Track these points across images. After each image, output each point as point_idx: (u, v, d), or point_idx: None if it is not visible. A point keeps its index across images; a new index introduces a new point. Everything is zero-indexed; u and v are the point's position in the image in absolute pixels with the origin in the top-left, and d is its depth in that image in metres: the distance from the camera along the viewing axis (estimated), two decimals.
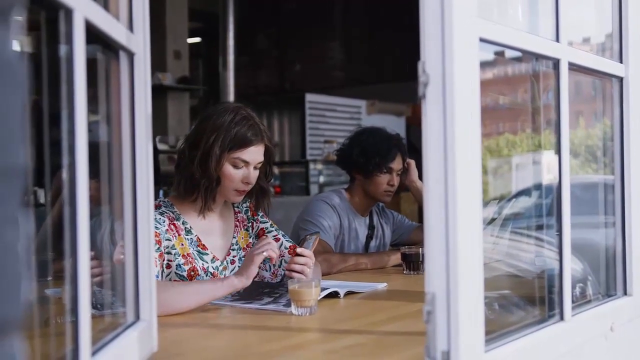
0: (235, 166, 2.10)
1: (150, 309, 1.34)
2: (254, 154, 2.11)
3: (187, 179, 2.11)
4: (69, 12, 0.96)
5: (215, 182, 2.09)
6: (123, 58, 1.29)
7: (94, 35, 1.07)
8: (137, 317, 1.32)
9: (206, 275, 2.11)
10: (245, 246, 2.27)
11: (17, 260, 0.56)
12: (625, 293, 1.75)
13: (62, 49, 0.98)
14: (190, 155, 2.10)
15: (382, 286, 2.28)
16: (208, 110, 2.20)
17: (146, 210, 1.33)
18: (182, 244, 2.09)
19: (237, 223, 2.28)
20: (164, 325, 1.53)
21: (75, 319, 0.97)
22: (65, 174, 0.97)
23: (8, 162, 0.54)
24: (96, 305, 1.25)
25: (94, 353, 1.04)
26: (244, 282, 1.91)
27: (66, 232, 0.97)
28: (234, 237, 2.25)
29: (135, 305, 1.32)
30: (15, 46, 0.58)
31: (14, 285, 0.55)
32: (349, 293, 2.11)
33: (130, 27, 1.30)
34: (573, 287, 1.53)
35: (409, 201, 6.29)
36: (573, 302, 1.50)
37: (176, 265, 2.06)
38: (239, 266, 2.19)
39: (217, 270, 2.15)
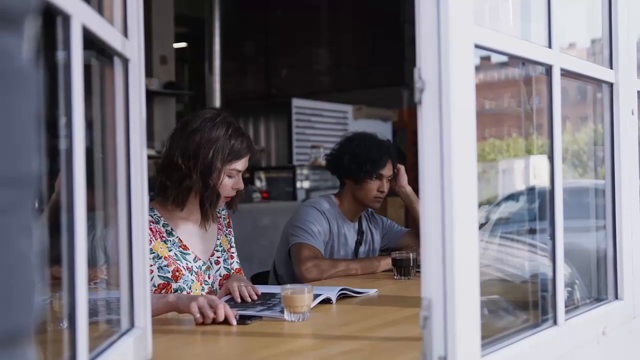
0: (230, 176, 2.19)
1: (145, 316, 1.34)
2: (245, 162, 2.22)
3: (184, 191, 2.13)
4: (66, 18, 0.95)
5: (217, 194, 2.15)
6: (117, 64, 1.28)
7: (89, 41, 1.07)
8: (132, 324, 1.31)
9: (190, 274, 2.16)
10: (227, 249, 2.34)
11: (30, 269, 0.55)
12: (616, 297, 1.77)
13: (59, 55, 0.97)
14: (185, 167, 2.11)
15: (373, 292, 2.28)
16: (194, 120, 2.18)
17: (140, 216, 1.33)
18: (162, 247, 2.14)
19: (220, 226, 2.35)
20: (158, 333, 1.53)
21: (72, 326, 0.96)
22: (62, 180, 0.97)
23: (21, 171, 0.53)
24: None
25: None
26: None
27: (63, 239, 0.96)
28: (218, 239, 2.32)
29: (130, 312, 1.31)
30: (27, 54, 0.57)
31: (27, 294, 0.54)
32: (342, 296, 2.11)
33: (125, 33, 1.30)
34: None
35: (395, 206, 6.29)
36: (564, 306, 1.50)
37: (158, 267, 2.10)
38: (223, 267, 2.28)
39: (201, 269, 2.21)
